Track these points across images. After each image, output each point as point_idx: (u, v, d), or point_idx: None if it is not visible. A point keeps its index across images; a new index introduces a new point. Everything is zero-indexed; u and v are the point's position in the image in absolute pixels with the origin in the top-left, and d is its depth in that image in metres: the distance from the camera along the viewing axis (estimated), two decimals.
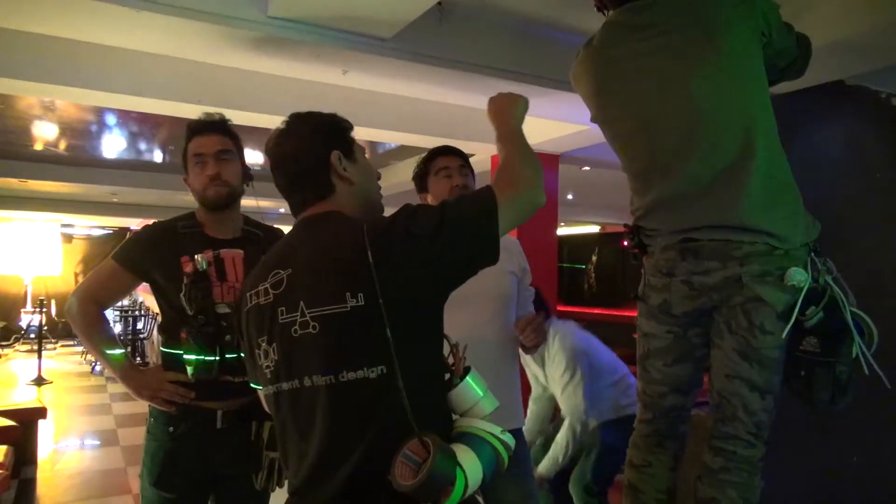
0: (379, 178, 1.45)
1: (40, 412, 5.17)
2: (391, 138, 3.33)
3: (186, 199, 1.87)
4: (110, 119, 4.64)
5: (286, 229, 1.47)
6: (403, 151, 5.11)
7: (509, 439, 1.24)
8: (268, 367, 1.28)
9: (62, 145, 5.44)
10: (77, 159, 5.85)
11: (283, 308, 1.24)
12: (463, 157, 2.14)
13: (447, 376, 1.27)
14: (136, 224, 11.29)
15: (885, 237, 2.69)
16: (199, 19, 2.10)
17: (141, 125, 4.79)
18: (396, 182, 5.89)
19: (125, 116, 4.53)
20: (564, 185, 5.36)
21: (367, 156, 1.44)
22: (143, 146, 5.54)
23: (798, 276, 1.63)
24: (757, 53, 1.70)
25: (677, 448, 1.88)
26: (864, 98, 2.77)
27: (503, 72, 2.48)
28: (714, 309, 1.73)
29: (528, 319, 2.01)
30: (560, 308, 5.36)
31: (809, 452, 2.55)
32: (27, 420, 4.89)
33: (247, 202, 1.92)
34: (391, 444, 1.11)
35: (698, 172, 1.69)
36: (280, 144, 1.35)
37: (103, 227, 12.98)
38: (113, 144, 5.47)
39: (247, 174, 1.90)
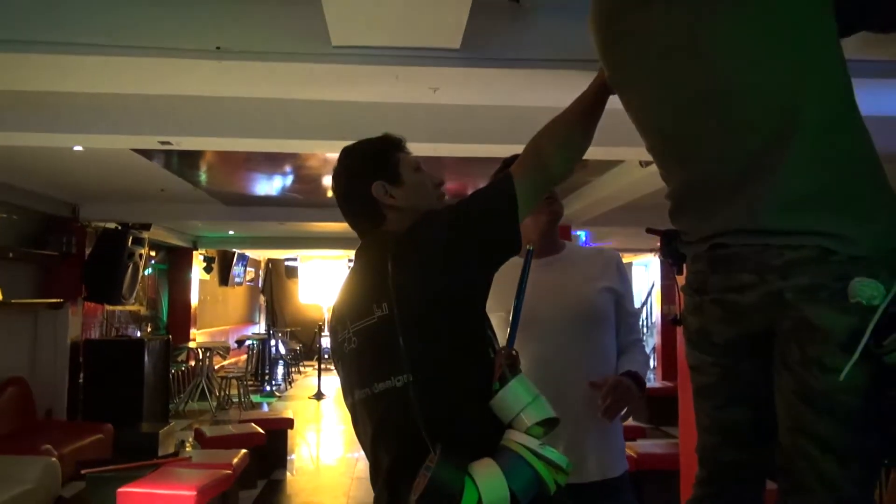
0: (441, 185, 1.40)
1: (288, 422, 5.89)
2: (487, 151, 3.13)
3: None
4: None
5: None
6: (598, 165, 4.78)
7: (553, 455, 1.10)
8: (342, 384, 1.35)
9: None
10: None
11: (340, 328, 1.31)
12: None
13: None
14: None
15: None
16: (269, 59, 2.23)
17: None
18: (596, 199, 5.52)
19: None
20: None
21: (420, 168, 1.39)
22: None
23: (867, 291, 1.11)
24: None
25: None
26: None
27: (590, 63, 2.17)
28: (767, 334, 1.28)
29: (614, 383, 1.69)
30: None
31: None
32: (275, 429, 5.62)
33: None
34: (413, 456, 1.10)
35: (721, 159, 1.26)
36: (334, 185, 1.41)
37: None
38: None
39: None
